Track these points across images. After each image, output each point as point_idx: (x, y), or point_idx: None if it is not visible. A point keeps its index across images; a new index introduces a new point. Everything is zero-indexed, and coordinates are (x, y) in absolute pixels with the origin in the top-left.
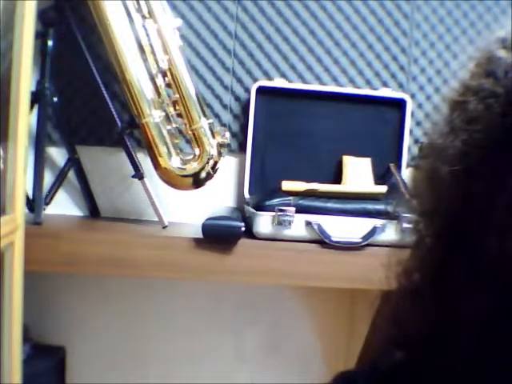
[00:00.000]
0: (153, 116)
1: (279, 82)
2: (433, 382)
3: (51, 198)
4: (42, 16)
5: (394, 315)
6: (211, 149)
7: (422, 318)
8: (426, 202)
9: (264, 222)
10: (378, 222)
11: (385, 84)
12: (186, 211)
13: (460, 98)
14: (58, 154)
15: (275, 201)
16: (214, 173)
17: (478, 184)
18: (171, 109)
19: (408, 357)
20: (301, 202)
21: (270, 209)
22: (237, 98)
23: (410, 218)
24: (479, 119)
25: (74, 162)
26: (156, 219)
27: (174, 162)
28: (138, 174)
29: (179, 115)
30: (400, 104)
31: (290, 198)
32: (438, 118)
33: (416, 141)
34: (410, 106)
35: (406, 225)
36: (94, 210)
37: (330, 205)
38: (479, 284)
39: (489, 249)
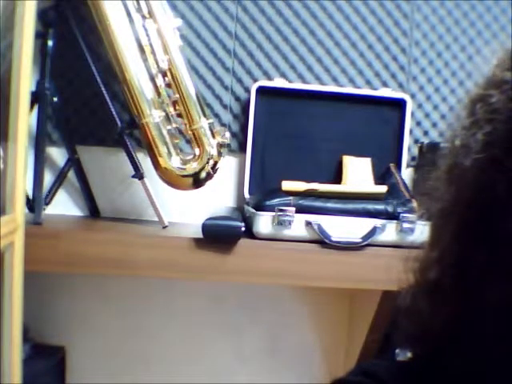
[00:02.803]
0: (153, 116)
1: (279, 82)
2: (456, 375)
3: (51, 198)
4: (42, 16)
5: (411, 311)
6: (211, 149)
7: (443, 312)
8: (446, 196)
9: (264, 222)
10: (377, 222)
11: (385, 84)
12: (186, 211)
13: (483, 92)
14: (58, 154)
15: (275, 201)
16: (214, 173)
17: (501, 174)
18: (171, 109)
19: (429, 351)
20: (301, 202)
21: (270, 209)
22: (237, 98)
23: (429, 216)
24: (502, 110)
25: (74, 161)
26: (156, 219)
27: (174, 162)
28: (138, 174)
29: (179, 115)
30: (400, 104)
31: (290, 197)
32: (457, 116)
33: (416, 141)
34: (410, 106)
35: (406, 225)
36: (93, 210)
37: (329, 205)
38: (502, 273)
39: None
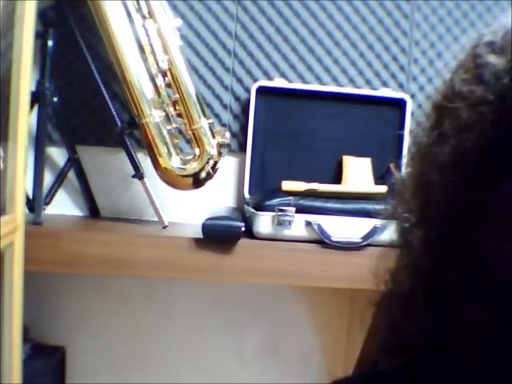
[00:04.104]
0: (153, 116)
1: (279, 82)
2: None
3: (51, 198)
4: (42, 16)
5: (387, 321)
6: (211, 149)
7: (416, 326)
8: (414, 206)
9: (264, 222)
10: (377, 222)
11: (385, 84)
12: (186, 211)
13: (450, 105)
14: (58, 154)
15: (275, 201)
16: (214, 173)
17: (470, 191)
18: (171, 109)
19: (403, 363)
20: (301, 201)
21: (270, 209)
22: (237, 98)
23: (397, 220)
24: (471, 127)
25: (73, 162)
26: (156, 219)
27: (174, 162)
28: (138, 174)
29: (179, 115)
30: (400, 104)
31: (290, 197)
32: (423, 120)
33: None
34: (410, 106)
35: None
36: (93, 210)
37: (329, 205)
38: (475, 292)
39: (485, 255)
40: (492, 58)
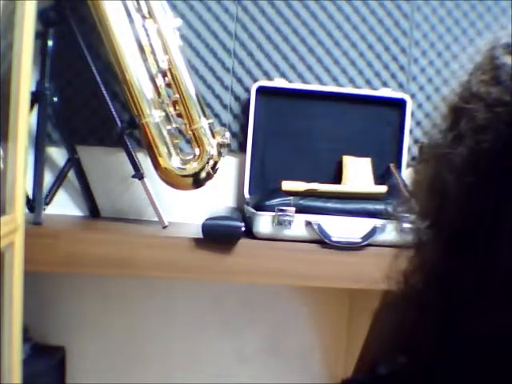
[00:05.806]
0: (153, 116)
1: (279, 82)
2: None
3: (51, 198)
4: (42, 16)
5: (398, 322)
6: (211, 149)
7: (427, 329)
8: (428, 207)
9: (264, 222)
10: (377, 222)
11: (385, 84)
12: (186, 211)
13: (467, 106)
14: (57, 154)
15: (275, 201)
16: (214, 173)
17: (486, 194)
18: (171, 109)
19: (411, 364)
20: (301, 202)
21: (270, 209)
22: (237, 98)
23: (410, 220)
24: (488, 128)
25: (73, 162)
26: (156, 219)
27: (174, 162)
28: (138, 174)
29: (179, 115)
30: (400, 104)
31: (290, 197)
32: (439, 121)
33: (416, 141)
34: (410, 106)
35: (406, 225)
36: (94, 210)
37: (330, 205)
38: (488, 297)
39: (499, 260)
40: (509, 60)
